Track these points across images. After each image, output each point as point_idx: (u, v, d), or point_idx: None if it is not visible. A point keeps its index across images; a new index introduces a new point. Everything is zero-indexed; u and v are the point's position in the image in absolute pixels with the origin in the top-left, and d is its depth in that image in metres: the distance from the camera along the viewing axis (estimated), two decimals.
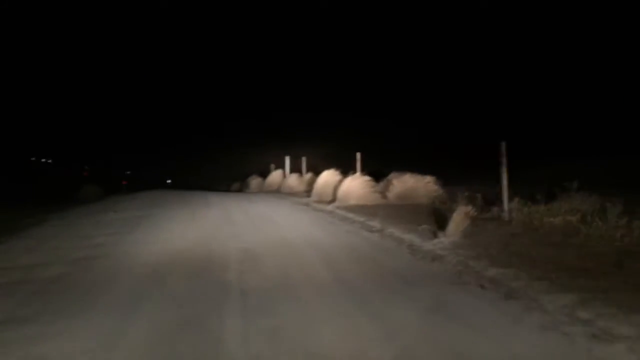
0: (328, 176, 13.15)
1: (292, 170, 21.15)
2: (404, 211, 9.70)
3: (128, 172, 56.27)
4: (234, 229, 7.67)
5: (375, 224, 8.22)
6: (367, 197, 11.27)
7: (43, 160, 66.90)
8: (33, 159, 66.22)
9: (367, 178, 11.58)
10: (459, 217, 6.51)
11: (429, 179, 11.46)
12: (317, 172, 18.91)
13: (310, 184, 18.04)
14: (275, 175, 21.09)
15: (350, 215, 9.45)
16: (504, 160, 7.83)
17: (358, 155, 14.00)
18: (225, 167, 52.75)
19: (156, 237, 7.02)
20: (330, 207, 10.96)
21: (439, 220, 8.02)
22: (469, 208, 6.93)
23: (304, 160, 19.35)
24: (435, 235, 6.73)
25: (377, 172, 13.63)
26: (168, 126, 65.23)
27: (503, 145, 7.88)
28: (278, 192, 18.47)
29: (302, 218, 9.25)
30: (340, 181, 12.93)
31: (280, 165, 22.56)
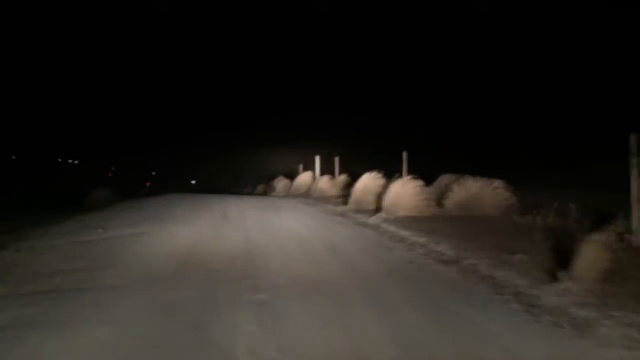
0: (369, 180, 10.91)
1: (321, 172, 19.04)
2: (473, 227, 7.40)
3: (153, 173, 55.22)
4: (253, 263, 5.53)
5: (445, 248, 5.95)
6: (420, 207, 8.98)
7: (69, 160, 66.78)
8: (59, 159, 66.17)
9: (418, 183, 9.28)
10: (593, 250, 4.18)
11: (497, 184, 9.10)
12: (351, 174, 16.74)
13: (344, 187, 15.84)
14: (303, 177, 18.94)
15: (405, 233, 7.19)
16: (636, 160, 5.43)
17: (404, 155, 11.72)
18: (250, 168, 51.05)
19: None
20: (374, 220, 8.71)
21: (536, 245, 5.70)
22: (604, 236, 4.58)
23: (336, 161, 17.14)
24: (552, 276, 4.42)
25: (420, 175, 11.34)
26: (196, 127, 63.99)
27: (633, 138, 5.48)
28: (307, 196, 16.32)
29: (344, 239, 7.03)
30: (385, 186, 10.68)
31: (309, 166, 20.47)
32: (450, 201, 9.10)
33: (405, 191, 8.98)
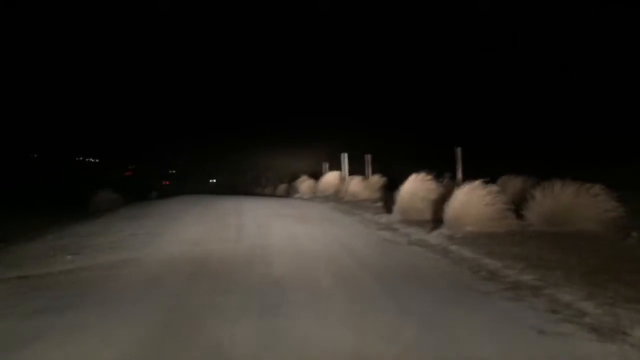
0: (417, 183, 8.72)
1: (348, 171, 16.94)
2: (583, 252, 5.18)
3: (173, 171, 53.86)
4: (272, 323, 3.46)
5: (576, 300, 3.77)
6: (494, 220, 6.77)
7: (89, 159, 66.10)
8: (80, 158, 65.51)
9: (491, 188, 7.05)
10: None
11: (597, 190, 6.83)
12: (384, 175, 14.58)
13: (377, 189, 13.70)
14: (330, 178, 16.82)
15: (491, 262, 4.99)
16: None
17: (458, 151, 9.52)
18: (271, 167, 49.17)
19: None
20: (436, 238, 6.54)
21: None
22: None
23: (368, 159, 14.99)
24: None
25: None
26: (215, 125, 62.52)
27: None
28: (337, 199, 14.21)
29: (409, 274, 4.87)
30: (437, 191, 8.50)
31: (333, 166, 18.38)
32: (533, 212, 6.86)
33: (473, 199, 6.78)
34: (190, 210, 10.54)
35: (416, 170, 10.09)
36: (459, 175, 9.78)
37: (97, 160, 65.16)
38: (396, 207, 8.72)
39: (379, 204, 11.59)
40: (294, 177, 28.44)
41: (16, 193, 23.03)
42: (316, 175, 20.58)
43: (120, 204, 15.16)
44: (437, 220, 7.98)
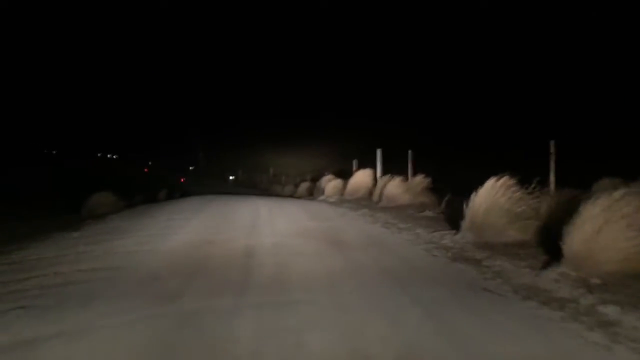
0: (495, 190, 6.22)
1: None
2: None
3: (191, 168, 52.13)
4: None
5: None
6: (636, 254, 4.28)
7: (109, 155, 64.90)
8: (99, 154, 64.37)
9: (635, 203, 4.54)
10: None
11: None
12: (427, 175, 12.08)
13: (420, 193, 11.22)
14: (361, 177, 14.35)
15: None
16: None
17: (552, 145, 7.01)
18: (291, 164, 46.85)
19: None
20: (560, 284, 4.06)
21: None
22: None
23: (410, 155, 12.50)
24: None
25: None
26: (233, 121, 60.56)
27: None
28: (370, 204, 11.77)
29: None
30: (529, 204, 5.99)
31: (365, 162, 15.93)
32: None
33: (615, 221, 4.27)
34: (191, 220, 8.25)
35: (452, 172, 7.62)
36: (552, 179, 7.22)
37: (115, 157, 64.01)
38: (465, 223, 6.22)
39: (428, 212, 9.09)
40: (317, 175, 26.08)
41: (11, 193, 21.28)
42: (343, 174, 18.19)
43: (120, 207, 13.02)
44: (529, 244, 5.48)
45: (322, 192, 16.23)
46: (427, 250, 5.63)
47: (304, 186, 22.64)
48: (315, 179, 23.78)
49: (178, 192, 25.37)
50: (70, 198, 18.50)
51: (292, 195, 22.75)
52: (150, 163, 54.98)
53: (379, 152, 14.45)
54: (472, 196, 6.31)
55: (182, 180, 36.37)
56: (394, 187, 11.19)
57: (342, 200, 13.56)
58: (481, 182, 6.46)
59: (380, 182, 12.51)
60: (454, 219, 8.05)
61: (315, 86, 56.37)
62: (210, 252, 5.52)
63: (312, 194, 19.94)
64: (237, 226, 7.60)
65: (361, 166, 16.15)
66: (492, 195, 6.15)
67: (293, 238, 6.47)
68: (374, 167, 14.70)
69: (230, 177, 38.82)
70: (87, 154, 59.55)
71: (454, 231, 6.52)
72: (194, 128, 54.81)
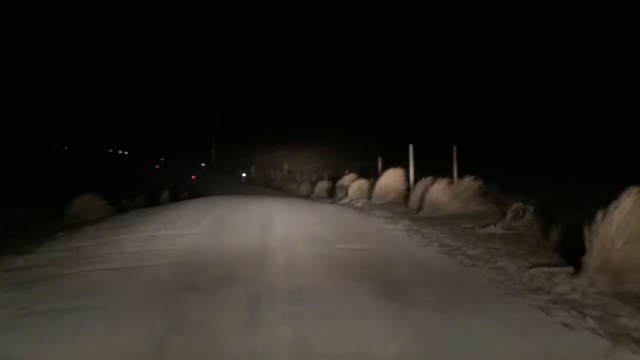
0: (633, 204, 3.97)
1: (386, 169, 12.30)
2: None
3: (203, 164, 50.26)
4: None
5: None
6: None
7: (120, 151, 63.40)
8: (110, 150, 62.89)
9: None
10: None
11: None
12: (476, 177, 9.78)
13: (471, 199, 8.94)
14: (392, 178, 12.08)
15: None
16: None
17: None
18: (307, 161, 44.67)
19: None
20: None
21: None
22: None
23: (454, 151, 10.20)
24: None
25: None
26: (248, 116, 58.60)
27: None
28: (407, 211, 9.52)
29: None
30: None
31: (393, 161, 13.69)
32: None
33: None
34: (184, 237, 6.10)
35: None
36: None
37: (126, 153, 62.44)
38: (592, 260, 3.94)
39: (494, 229, 6.78)
40: (335, 174, 23.87)
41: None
42: (366, 173, 16.00)
43: (108, 213, 10.99)
44: None
45: (345, 194, 14.00)
46: (547, 312, 3.36)
47: (322, 186, 20.45)
48: (333, 178, 21.55)
49: (186, 190, 23.40)
50: (65, 201, 16.62)
51: (309, 196, 20.58)
52: (162, 159, 53.22)
53: (411, 149, 12.17)
54: (599, 217, 4.02)
55: (193, 177, 34.38)
56: (440, 191, 8.91)
57: (371, 205, 11.31)
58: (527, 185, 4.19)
59: (418, 185, 10.24)
60: (539, 240, 5.80)
61: (332, 83, 54.26)
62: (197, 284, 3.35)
63: (332, 195, 17.76)
64: (240, 249, 5.43)
65: (384, 166, 13.96)
66: (633, 211, 3.87)
67: (319, 278, 4.25)
68: (399, 166, 12.46)
69: (243, 174, 36.77)
70: (98, 150, 58.10)
71: (567, 269, 4.24)
72: (208, 124, 52.85)
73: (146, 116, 64.41)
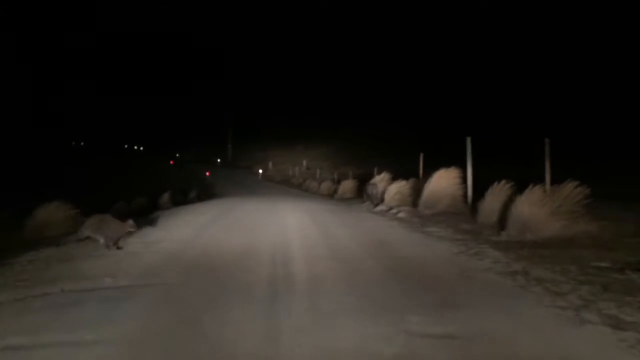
0: None
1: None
2: None
3: (219, 160, 47.85)
4: None
5: None
6: None
7: (135, 147, 61.48)
8: (125, 146, 61.01)
9: None
10: None
11: None
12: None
13: (577, 214, 6.08)
14: (444, 180, 9.22)
15: None
16: None
17: None
18: (326, 154, 41.84)
19: None
20: None
21: None
22: None
23: (547, 149, 7.28)
24: None
25: None
26: (262, 111, 56.11)
27: None
28: (480, 228, 6.69)
29: None
30: None
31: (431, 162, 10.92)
32: None
33: None
34: (155, 280, 3.50)
35: None
36: None
37: (141, 148, 60.47)
38: None
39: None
40: (360, 171, 21.05)
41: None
42: (400, 172, 13.21)
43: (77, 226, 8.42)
44: None
45: (380, 199, 11.19)
46: None
47: (346, 185, 17.64)
48: (358, 176, 18.73)
49: (195, 190, 20.85)
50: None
51: (332, 196, 17.81)
52: (177, 155, 51.01)
53: (468, 143, 9.30)
54: None
55: (207, 174, 31.89)
56: (532, 204, 6.04)
57: (420, 217, 8.48)
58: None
59: (490, 192, 7.38)
60: None
61: (356, 78, 51.53)
62: None
63: (360, 195, 14.98)
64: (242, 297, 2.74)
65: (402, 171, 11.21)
66: None
67: None
68: (445, 166, 9.66)
69: (260, 171, 34.18)
70: (113, 146, 56.27)
71: None
72: (225, 119, 50.39)
73: (164, 112, 62.34)
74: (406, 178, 13.32)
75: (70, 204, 8.47)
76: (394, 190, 10.46)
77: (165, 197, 13.55)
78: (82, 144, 57.27)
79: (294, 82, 57.54)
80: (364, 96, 47.44)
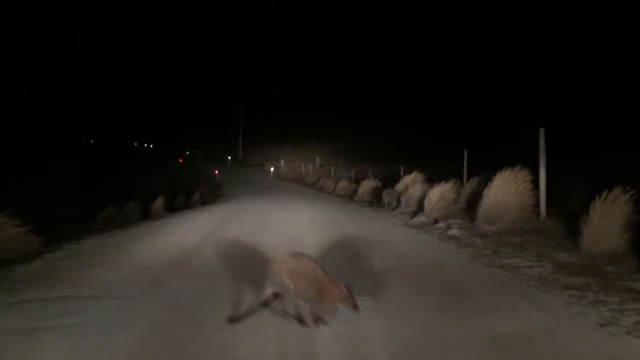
0: None
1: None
2: None
3: (229, 158, 45.77)
4: None
5: None
6: None
7: (145, 145, 59.66)
8: (135, 144, 59.23)
9: None
10: None
11: None
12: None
13: None
14: (511, 185, 6.86)
15: None
16: None
17: None
18: (339, 150, 39.54)
19: None
20: None
21: None
22: None
23: None
24: None
25: None
26: (272, 107, 54.03)
27: None
28: (587, 256, 4.38)
29: None
30: None
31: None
32: None
33: None
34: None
35: None
36: None
37: (151, 146, 58.62)
38: None
39: None
40: (378, 168, 18.72)
41: None
42: (438, 171, 10.98)
43: (32, 249, 6.24)
44: None
45: (416, 205, 8.86)
46: None
47: (367, 186, 15.28)
48: (378, 174, 16.43)
49: (201, 190, 18.71)
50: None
51: (351, 198, 15.47)
52: (187, 153, 49.03)
53: (542, 134, 6.93)
54: None
55: (216, 172, 29.80)
56: None
57: (484, 236, 6.14)
58: None
59: (601, 203, 5.01)
60: None
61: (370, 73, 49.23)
62: None
63: (380, 198, 12.67)
64: None
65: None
66: None
67: None
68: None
69: (271, 169, 31.99)
70: (124, 143, 54.57)
71: None
72: (235, 116, 48.29)
73: (175, 109, 60.48)
74: (431, 179, 11.02)
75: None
76: (436, 196, 8.12)
77: (159, 202, 11.34)
78: (92, 141, 55.68)
79: (305, 76, 55.25)
80: (380, 90, 45.01)
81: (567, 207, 7.34)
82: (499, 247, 5.44)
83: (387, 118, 39.57)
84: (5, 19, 57.08)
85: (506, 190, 6.65)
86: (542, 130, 6.93)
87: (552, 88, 28.05)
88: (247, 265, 4.61)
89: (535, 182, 6.89)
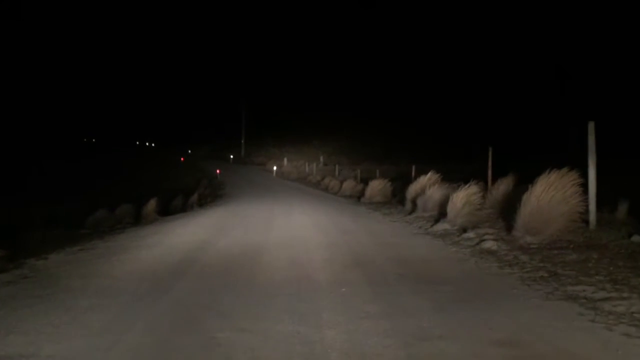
0: None
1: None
2: None
3: (232, 156, 44.71)
4: None
5: None
6: None
7: (147, 143, 58.59)
8: (137, 142, 58.18)
9: None
10: None
11: None
12: None
13: None
14: (557, 189, 5.71)
15: None
16: None
17: None
18: (343, 149, 38.42)
19: None
20: None
21: None
22: None
23: None
24: None
25: None
26: (277, 106, 52.99)
27: None
28: None
29: None
30: None
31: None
32: None
33: None
34: None
35: None
36: None
37: (153, 145, 57.56)
38: None
39: None
40: (381, 162, 17.56)
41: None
42: (451, 170, 9.86)
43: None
44: None
45: (437, 211, 7.73)
46: None
47: (375, 186, 14.11)
48: (385, 173, 15.30)
49: (200, 191, 17.61)
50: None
51: (359, 199, 14.32)
52: (190, 151, 47.99)
53: (591, 128, 5.78)
54: None
55: (217, 171, 28.63)
56: None
57: (525, 250, 4.99)
58: None
59: None
60: None
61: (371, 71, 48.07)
62: None
63: (391, 200, 11.52)
64: None
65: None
66: None
67: None
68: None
69: (274, 168, 30.86)
70: (126, 142, 53.60)
71: None
72: (238, 114, 47.20)
73: (177, 107, 59.49)
74: (447, 179, 9.91)
75: None
76: (462, 200, 6.98)
77: (151, 205, 10.22)
78: (93, 140, 54.73)
79: (309, 75, 54.12)
80: (384, 89, 43.83)
81: (618, 214, 6.20)
82: (556, 268, 4.31)
83: (393, 117, 38.39)
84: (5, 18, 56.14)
85: (552, 195, 5.51)
86: (591, 125, 5.78)
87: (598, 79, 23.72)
88: (234, 301, 3.48)
89: (582, 185, 5.76)
